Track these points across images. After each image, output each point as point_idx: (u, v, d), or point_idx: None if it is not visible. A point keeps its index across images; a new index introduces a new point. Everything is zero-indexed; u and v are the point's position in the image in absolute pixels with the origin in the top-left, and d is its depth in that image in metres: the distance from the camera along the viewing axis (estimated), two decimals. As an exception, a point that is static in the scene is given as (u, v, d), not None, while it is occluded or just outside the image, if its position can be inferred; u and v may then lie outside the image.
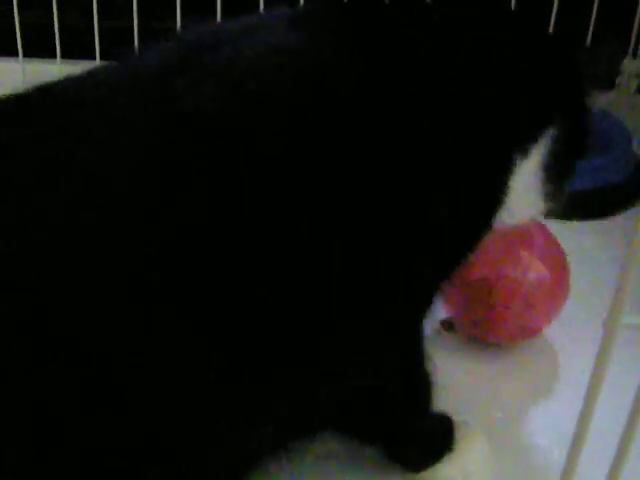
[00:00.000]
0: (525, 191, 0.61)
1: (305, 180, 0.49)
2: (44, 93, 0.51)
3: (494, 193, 0.58)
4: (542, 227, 0.75)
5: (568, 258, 0.73)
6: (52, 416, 0.43)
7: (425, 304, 0.58)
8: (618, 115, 1.04)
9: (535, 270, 0.71)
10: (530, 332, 0.74)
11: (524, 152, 0.59)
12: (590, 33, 1.05)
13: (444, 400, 0.61)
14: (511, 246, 0.71)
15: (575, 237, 0.90)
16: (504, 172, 0.59)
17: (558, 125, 0.61)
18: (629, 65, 1.10)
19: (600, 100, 0.98)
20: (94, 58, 1.04)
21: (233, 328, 0.47)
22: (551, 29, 1.04)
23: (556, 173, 0.63)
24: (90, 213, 0.44)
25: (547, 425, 0.68)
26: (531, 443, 0.67)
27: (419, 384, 0.61)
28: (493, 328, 0.72)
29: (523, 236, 0.72)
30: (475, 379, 0.72)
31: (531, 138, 0.59)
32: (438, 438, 0.62)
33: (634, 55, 1.09)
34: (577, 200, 0.93)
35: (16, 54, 1.06)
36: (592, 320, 0.64)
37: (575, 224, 0.93)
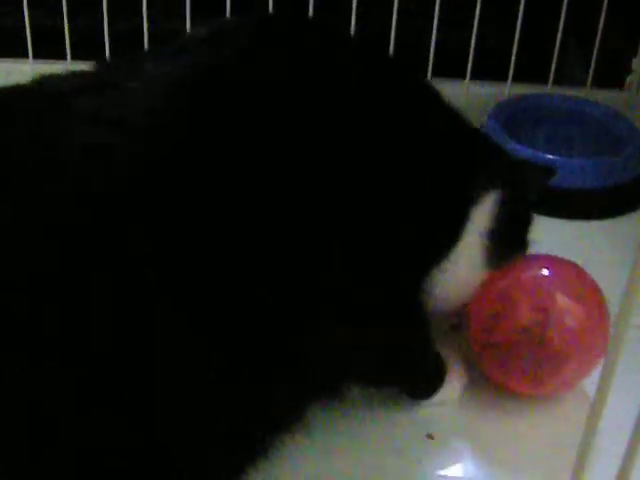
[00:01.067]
0: (466, 253, 0.63)
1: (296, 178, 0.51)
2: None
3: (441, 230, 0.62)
4: (562, 266, 0.69)
5: (577, 258, 0.70)
6: (48, 416, 0.43)
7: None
8: (628, 115, 1.04)
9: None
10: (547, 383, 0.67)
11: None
12: (599, 31, 1.04)
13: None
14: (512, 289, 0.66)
15: (585, 237, 0.90)
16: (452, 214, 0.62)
17: (501, 192, 0.65)
18: (639, 65, 1.09)
19: (610, 100, 0.99)
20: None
21: (233, 328, 0.48)
22: (561, 28, 1.04)
23: (500, 242, 0.65)
24: (85, 210, 0.45)
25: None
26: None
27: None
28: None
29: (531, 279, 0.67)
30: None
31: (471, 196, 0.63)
32: (437, 372, 0.68)
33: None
34: (587, 200, 0.93)
35: (26, 55, 1.06)
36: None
37: (585, 224, 0.93)
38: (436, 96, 0.64)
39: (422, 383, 0.68)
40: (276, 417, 0.53)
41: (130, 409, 0.44)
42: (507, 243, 0.67)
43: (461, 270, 0.64)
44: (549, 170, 0.74)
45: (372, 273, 0.56)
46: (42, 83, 0.53)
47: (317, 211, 0.52)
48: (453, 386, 0.69)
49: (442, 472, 0.64)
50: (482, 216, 0.64)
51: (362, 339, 0.57)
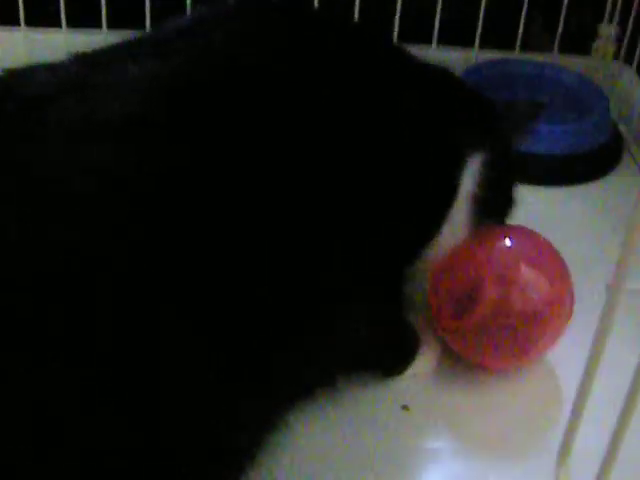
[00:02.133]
0: (451, 220, 0.64)
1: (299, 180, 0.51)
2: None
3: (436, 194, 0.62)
4: (527, 237, 0.68)
5: (546, 225, 0.69)
6: (52, 416, 0.42)
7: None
8: (595, 80, 1.04)
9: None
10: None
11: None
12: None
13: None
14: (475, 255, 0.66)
15: (554, 203, 0.90)
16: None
17: (488, 153, 0.65)
18: (606, 29, 1.09)
19: (577, 65, 0.98)
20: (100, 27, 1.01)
21: (233, 328, 0.48)
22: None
23: (485, 205, 0.65)
24: (90, 212, 0.44)
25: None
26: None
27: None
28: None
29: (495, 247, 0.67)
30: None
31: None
32: (411, 345, 0.68)
33: (610, 19, 1.08)
34: (556, 166, 0.93)
35: (18, 23, 1.02)
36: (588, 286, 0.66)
37: (554, 190, 0.92)
38: (414, 62, 0.66)
39: (396, 357, 0.68)
40: (274, 416, 0.54)
41: (133, 409, 0.44)
42: (492, 204, 0.66)
43: (446, 236, 0.64)
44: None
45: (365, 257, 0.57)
46: (15, 79, 0.51)
47: (312, 199, 0.52)
48: (427, 358, 0.69)
49: (417, 443, 0.63)
50: (468, 180, 0.64)
51: (348, 319, 0.57)
